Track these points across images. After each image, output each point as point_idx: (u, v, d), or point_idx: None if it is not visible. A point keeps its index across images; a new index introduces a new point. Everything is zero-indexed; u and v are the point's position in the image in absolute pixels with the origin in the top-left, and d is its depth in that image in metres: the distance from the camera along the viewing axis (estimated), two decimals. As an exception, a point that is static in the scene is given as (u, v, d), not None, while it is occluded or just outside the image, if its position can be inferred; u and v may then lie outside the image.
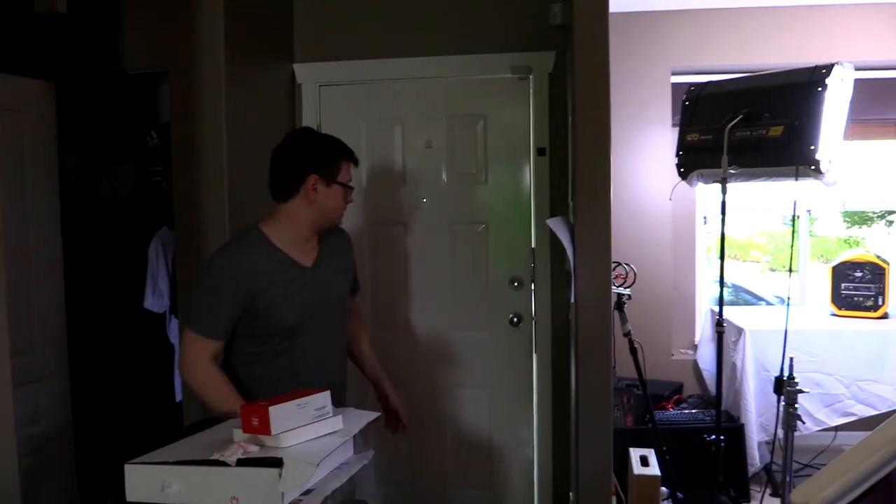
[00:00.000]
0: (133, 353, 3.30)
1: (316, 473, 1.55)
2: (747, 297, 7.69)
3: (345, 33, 3.49)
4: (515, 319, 3.39)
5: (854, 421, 3.65)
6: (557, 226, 2.84)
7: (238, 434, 1.63)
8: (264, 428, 1.57)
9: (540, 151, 3.38)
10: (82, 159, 3.33)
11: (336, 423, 1.71)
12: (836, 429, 3.70)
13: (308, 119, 3.51)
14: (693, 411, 3.79)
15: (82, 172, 3.33)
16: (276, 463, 1.49)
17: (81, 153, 3.32)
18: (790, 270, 3.12)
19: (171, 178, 2.87)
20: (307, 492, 1.55)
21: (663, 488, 3.07)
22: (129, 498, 1.55)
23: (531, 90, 3.40)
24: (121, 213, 3.31)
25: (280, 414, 1.58)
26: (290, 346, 2.18)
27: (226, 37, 2.80)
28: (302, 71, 3.50)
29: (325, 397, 1.70)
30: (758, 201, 4.37)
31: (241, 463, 1.51)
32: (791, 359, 3.00)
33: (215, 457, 1.53)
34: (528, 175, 3.42)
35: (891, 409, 3.56)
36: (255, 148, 3.09)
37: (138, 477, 1.56)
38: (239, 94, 2.93)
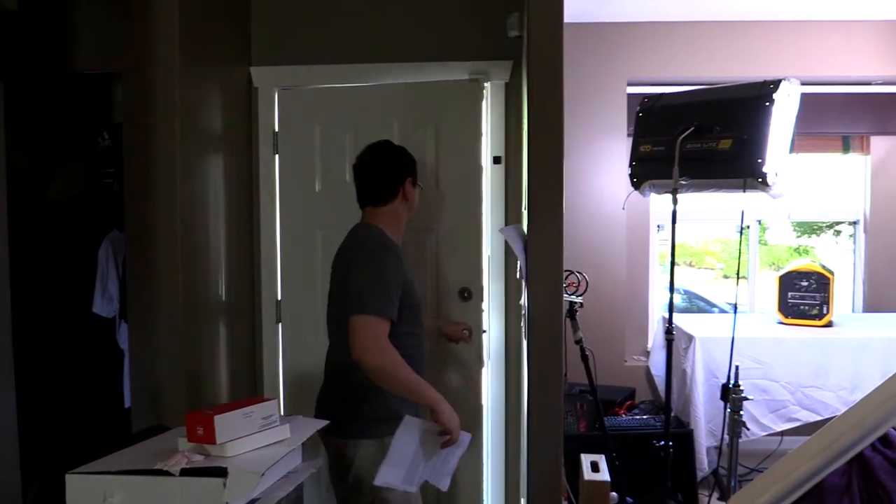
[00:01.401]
0: (81, 358, 3.23)
1: (261, 483, 1.54)
2: (701, 304, 7.83)
3: (303, 37, 3.48)
4: (467, 333, 3.22)
5: (799, 426, 3.75)
6: (510, 234, 2.87)
7: (183, 443, 1.62)
8: (209, 437, 1.56)
9: (496, 160, 3.40)
10: (31, 160, 3.26)
11: (283, 431, 1.71)
12: (782, 434, 3.79)
13: (264, 123, 3.48)
14: (644, 417, 3.86)
15: (31, 173, 3.25)
16: (221, 472, 1.48)
17: (30, 153, 3.24)
18: (738, 279, 3.19)
19: (123, 180, 2.82)
20: (252, 501, 1.55)
21: (613, 493, 3.12)
22: (69, 508, 1.53)
23: (488, 99, 3.43)
24: (70, 215, 3.25)
25: (226, 423, 1.57)
26: (416, 327, 2.38)
27: (180, 38, 2.77)
28: (259, 74, 3.48)
29: (272, 406, 1.69)
30: (712, 210, 4.47)
31: (186, 473, 1.50)
32: (737, 367, 3.08)
33: (159, 466, 1.51)
34: (483, 184, 3.42)
35: (833, 415, 3.65)
36: (210, 150, 3.07)
37: (79, 487, 1.54)
38: (193, 96, 2.90)
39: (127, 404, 3.02)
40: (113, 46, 2.85)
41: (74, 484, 1.54)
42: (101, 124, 3.27)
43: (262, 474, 1.50)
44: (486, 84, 3.27)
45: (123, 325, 3.10)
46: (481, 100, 3.26)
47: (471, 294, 3.33)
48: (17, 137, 3.17)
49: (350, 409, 2.26)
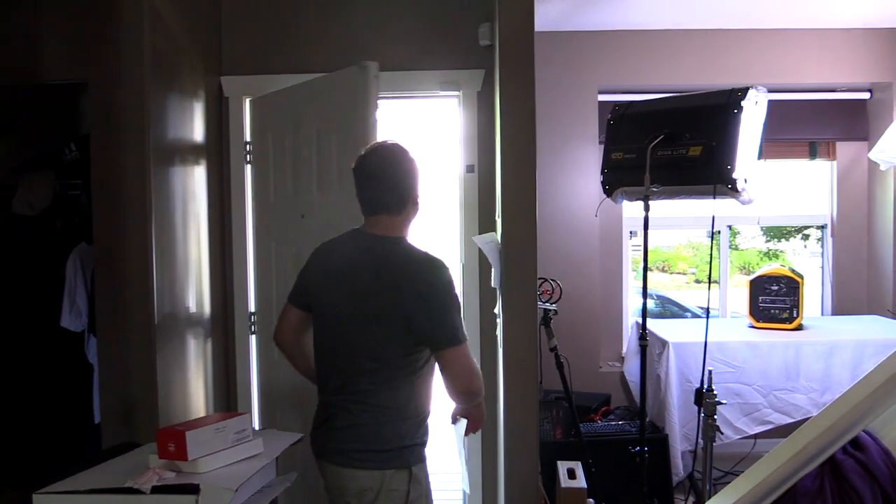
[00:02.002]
0: (50, 373, 3.16)
1: (235, 498, 1.52)
2: (674, 309, 7.90)
3: (274, 47, 3.46)
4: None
5: (772, 429, 3.78)
6: (484, 243, 2.87)
7: (154, 460, 1.59)
8: (181, 453, 1.54)
9: (469, 168, 3.41)
10: (-3, 171, 3.20)
11: (257, 445, 1.68)
12: (756, 437, 3.83)
13: (235, 132, 3.46)
14: (620, 423, 3.87)
15: (-3, 185, 3.20)
16: (193, 489, 1.46)
17: (-5, 165, 3.19)
18: (709, 284, 3.22)
19: (90, 192, 2.78)
20: (226, 517, 1.52)
21: (590, 500, 3.12)
22: (36, 529, 1.49)
23: (460, 108, 3.43)
24: (37, 228, 3.19)
25: (197, 438, 1.55)
26: None
27: (148, 48, 2.74)
28: (229, 84, 3.46)
29: (244, 420, 1.67)
30: (684, 215, 4.51)
31: (157, 490, 1.48)
32: (710, 371, 3.09)
33: (129, 484, 1.48)
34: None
35: (805, 416, 3.70)
36: (180, 161, 3.04)
37: (47, 507, 1.50)
38: (162, 106, 2.87)
39: (97, 420, 2.96)
40: (80, 56, 2.82)
41: (42, 503, 1.51)
42: (69, 135, 3.22)
43: (236, 490, 1.48)
44: (375, 73, 2.94)
45: (92, 340, 3.05)
46: (370, 87, 2.84)
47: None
48: (-18, 149, 3.11)
49: (393, 438, 2.01)
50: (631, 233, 4.61)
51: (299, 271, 2.23)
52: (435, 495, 2.16)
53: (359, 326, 2.01)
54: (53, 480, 1.60)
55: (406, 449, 2.01)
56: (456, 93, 3.43)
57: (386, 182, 2.09)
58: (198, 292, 3.19)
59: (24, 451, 3.11)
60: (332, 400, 2.06)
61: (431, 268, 2.03)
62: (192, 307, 3.13)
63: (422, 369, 2.05)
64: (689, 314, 7.63)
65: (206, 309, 3.28)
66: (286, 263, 3.17)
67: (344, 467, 1.97)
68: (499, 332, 2.91)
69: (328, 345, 2.11)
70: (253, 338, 3.49)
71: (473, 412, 2.18)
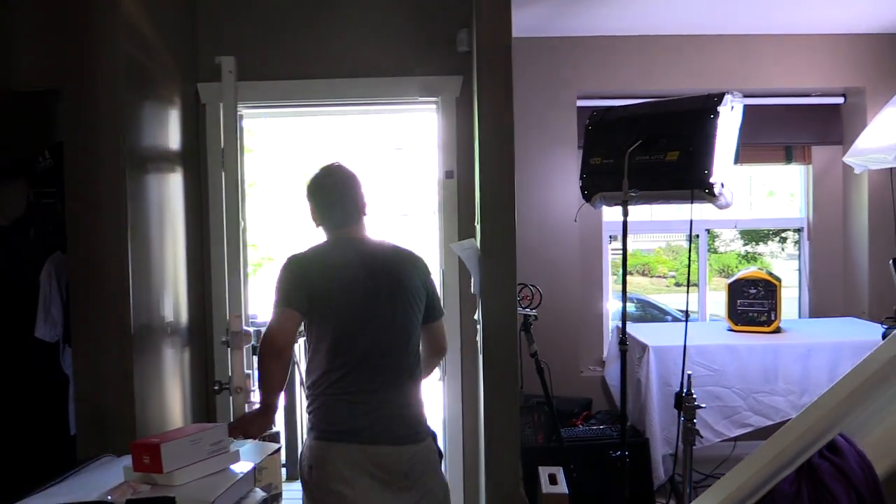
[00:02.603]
0: (24, 384, 3.11)
1: (211, 511, 1.50)
2: (654, 312, 7.96)
3: (251, 53, 3.44)
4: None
5: (752, 431, 3.81)
6: (462, 250, 2.87)
7: (128, 472, 1.57)
8: (156, 466, 1.51)
9: (448, 174, 3.41)
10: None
11: (233, 457, 1.66)
12: (736, 439, 3.85)
13: (212, 139, 3.43)
14: (601, 427, 3.88)
15: (-32, 194, 3.14)
16: (168, 502, 1.44)
17: (-33, 174, 3.14)
18: (688, 288, 3.24)
19: (65, 201, 2.75)
20: (202, 530, 1.50)
21: (572, 505, 3.12)
22: (7, 545, 1.47)
23: (439, 114, 3.43)
24: (11, 237, 3.14)
25: (172, 450, 1.53)
26: None
27: (123, 55, 2.71)
28: (206, 90, 3.43)
29: (221, 431, 1.65)
30: (663, 218, 4.53)
31: (131, 503, 1.45)
32: (689, 375, 3.11)
33: (102, 498, 1.46)
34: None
35: (784, 419, 3.72)
36: (156, 168, 3.01)
37: (18, 522, 1.48)
38: (137, 113, 2.84)
39: (73, 431, 2.92)
40: (54, 64, 2.79)
41: (13, 519, 1.48)
42: (43, 143, 3.17)
43: (212, 502, 1.46)
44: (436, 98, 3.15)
45: (68, 350, 3.00)
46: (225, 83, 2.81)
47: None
48: (-47, 158, 3.07)
49: (423, 410, 2.38)
50: (610, 237, 4.63)
51: (288, 279, 2.27)
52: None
53: (395, 315, 2.31)
54: (27, 493, 1.58)
55: (426, 417, 2.37)
56: (435, 99, 3.43)
57: (352, 196, 2.42)
58: (175, 301, 3.16)
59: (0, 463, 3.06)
60: (377, 387, 2.25)
61: (417, 256, 2.48)
62: (170, 316, 3.09)
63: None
64: (669, 317, 7.69)
65: (184, 318, 3.25)
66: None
67: (403, 445, 2.23)
68: (479, 338, 2.91)
69: (364, 338, 2.26)
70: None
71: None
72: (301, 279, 2.27)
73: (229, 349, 2.44)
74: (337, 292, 2.26)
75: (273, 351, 2.21)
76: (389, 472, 2.21)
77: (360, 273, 2.30)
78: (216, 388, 2.53)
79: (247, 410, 2.65)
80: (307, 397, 2.33)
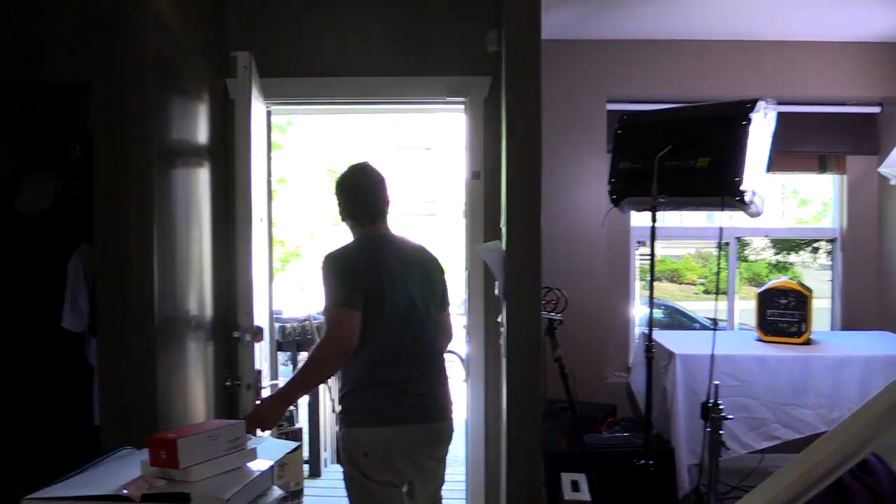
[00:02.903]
0: (50, 374, 3.14)
1: (227, 508, 1.49)
2: (682, 319, 7.86)
3: (281, 50, 3.45)
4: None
5: (779, 444, 3.73)
6: (486, 252, 2.85)
7: (145, 467, 1.56)
8: (172, 461, 1.51)
9: (474, 175, 3.38)
10: (1, 170, 3.18)
11: (251, 454, 1.65)
12: (763, 452, 3.77)
13: (240, 135, 3.43)
14: (626, 434, 3.83)
15: (0, 184, 3.18)
16: (184, 498, 1.43)
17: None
18: (717, 296, 3.18)
19: (93, 193, 2.77)
20: (218, 527, 1.49)
21: (593, 513, 3.08)
22: (24, 535, 1.47)
23: (467, 114, 3.41)
24: (39, 228, 3.17)
25: (189, 446, 1.52)
26: None
27: (151, 50, 2.72)
28: (235, 86, 3.43)
29: (239, 428, 1.64)
30: (693, 225, 4.46)
31: (147, 499, 1.45)
32: (717, 385, 3.05)
33: (118, 492, 1.46)
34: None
35: (813, 433, 3.64)
36: (183, 162, 3.02)
37: (35, 513, 1.48)
38: (166, 107, 2.85)
39: (96, 421, 2.94)
40: (85, 56, 2.81)
41: (31, 509, 1.48)
42: (73, 135, 3.20)
43: (227, 500, 1.45)
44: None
45: (93, 341, 3.02)
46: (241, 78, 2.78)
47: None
48: (-14, 149, 3.10)
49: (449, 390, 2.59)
50: (639, 242, 4.57)
51: (341, 279, 2.36)
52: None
53: (427, 306, 2.49)
54: (48, 482, 1.58)
55: None
56: (462, 99, 3.41)
57: (381, 195, 2.54)
58: (200, 295, 3.17)
59: (24, 452, 3.09)
60: (423, 374, 2.46)
61: (431, 252, 2.64)
62: (194, 310, 3.11)
63: None
64: (697, 325, 7.59)
65: (209, 312, 3.26)
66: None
67: (443, 421, 2.50)
68: (502, 341, 2.88)
69: (406, 328, 2.42)
70: (257, 343, 3.45)
71: None
72: (353, 278, 2.36)
73: (242, 346, 2.44)
74: (383, 287, 2.37)
75: (345, 352, 2.31)
76: (434, 446, 2.49)
77: (398, 268, 2.44)
78: (228, 383, 2.53)
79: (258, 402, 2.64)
80: (351, 390, 2.41)
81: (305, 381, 2.45)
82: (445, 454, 2.58)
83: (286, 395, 2.44)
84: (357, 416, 2.40)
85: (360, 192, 2.53)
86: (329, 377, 2.38)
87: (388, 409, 2.37)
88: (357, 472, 2.38)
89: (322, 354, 2.34)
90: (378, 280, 2.37)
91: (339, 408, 2.50)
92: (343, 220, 2.58)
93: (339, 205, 2.57)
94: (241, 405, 2.43)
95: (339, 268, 2.39)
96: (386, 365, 2.37)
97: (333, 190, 2.60)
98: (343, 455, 2.44)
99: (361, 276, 2.36)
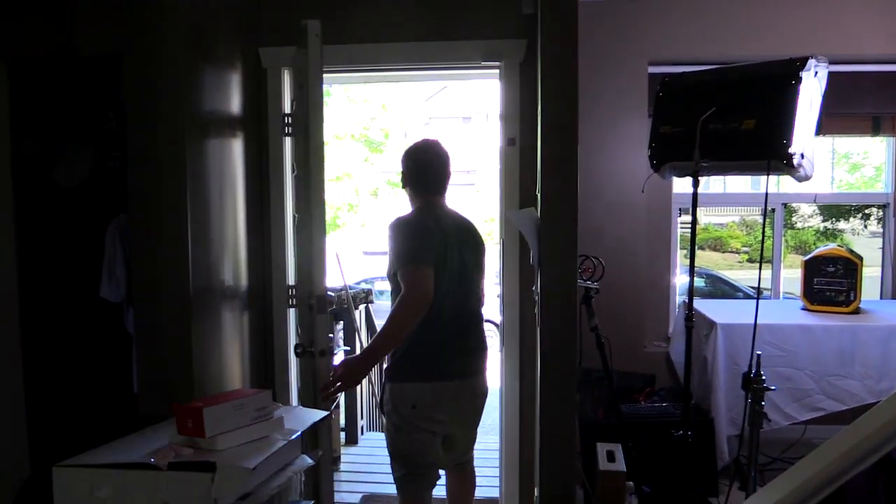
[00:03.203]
0: (90, 343, 3.20)
1: (252, 477, 1.48)
2: (725, 288, 7.70)
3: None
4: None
5: (823, 416, 3.63)
6: (520, 219, 2.80)
7: (174, 435, 1.57)
8: (198, 430, 1.51)
9: (510, 141, 3.31)
10: (38, 143, 3.22)
11: (278, 423, 1.64)
12: (806, 423, 3.68)
13: (273, 104, 3.42)
14: (664, 404, 3.76)
15: (38, 157, 3.22)
16: (209, 467, 1.43)
17: (37, 137, 3.20)
18: (760, 264, 3.08)
19: (127, 164, 2.78)
20: (245, 496, 1.49)
21: (629, 483, 3.04)
22: (56, 501, 1.49)
23: (502, 79, 3.33)
24: (77, 199, 3.21)
25: (215, 415, 1.52)
26: None
27: (184, 18, 2.71)
28: (267, 55, 3.41)
29: (265, 397, 1.64)
30: (737, 190, 4.33)
31: (174, 467, 1.45)
32: (759, 355, 2.97)
33: (146, 460, 1.46)
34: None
35: (859, 404, 3.54)
36: (217, 133, 3.02)
37: (66, 480, 1.50)
38: (198, 77, 2.84)
39: (136, 390, 2.99)
40: (116, 27, 2.81)
41: (62, 477, 1.50)
42: (108, 105, 3.22)
43: (253, 469, 1.45)
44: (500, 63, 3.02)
45: (131, 311, 3.07)
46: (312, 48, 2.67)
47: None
48: (23, 121, 3.14)
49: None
50: (680, 209, 4.45)
51: (417, 241, 2.58)
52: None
53: (477, 273, 2.79)
54: (89, 449, 1.59)
55: None
56: (498, 63, 3.33)
57: (446, 171, 2.79)
58: (235, 265, 3.18)
59: (67, 421, 3.17)
60: (469, 333, 2.75)
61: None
62: (229, 280, 3.12)
63: None
64: (740, 294, 7.42)
65: (244, 281, 3.27)
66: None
67: (483, 375, 2.80)
68: (537, 310, 2.83)
69: (458, 292, 2.67)
70: (291, 311, 3.47)
71: None
72: (427, 240, 2.57)
73: (315, 313, 2.48)
74: (447, 251, 2.60)
75: (424, 307, 2.48)
76: (473, 399, 2.79)
77: (453, 236, 2.66)
78: (298, 350, 2.59)
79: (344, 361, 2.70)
80: (407, 347, 2.60)
81: (390, 337, 2.56)
82: (482, 407, 2.87)
83: (373, 354, 2.64)
84: (410, 371, 2.62)
85: (430, 168, 2.76)
86: (406, 331, 2.50)
87: (441, 365, 2.61)
88: (403, 423, 2.61)
89: (403, 311, 2.48)
90: (442, 244, 2.59)
91: (388, 363, 2.71)
92: (404, 186, 2.81)
93: (406, 173, 2.79)
94: (316, 371, 2.47)
95: (413, 231, 2.61)
96: (440, 324, 2.57)
97: (402, 157, 2.83)
98: (389, 407, 2.66)
99: (432, 239, 2.58)
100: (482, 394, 2.83)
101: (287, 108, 3.42)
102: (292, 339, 3.48)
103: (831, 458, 1.32)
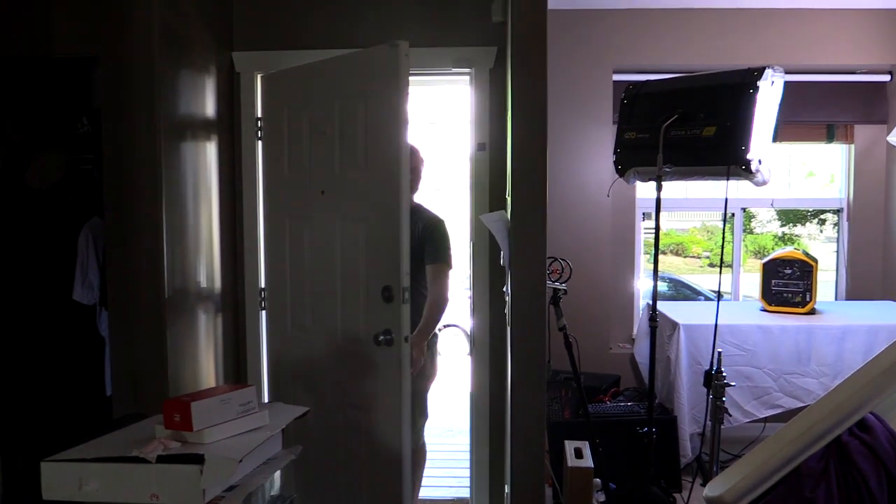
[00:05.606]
0: (62, 346, 3.19)
1: (239, 469, 1.53)
2: (686, 292, 7.87)
3: (286, 22, 3.45)
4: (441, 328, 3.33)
5: (782, 413, 3.77)
6: (491, 221, 2.86)
7: (160, 430, 1.60)
8: (186, 424, 1.54)
9: (480, 146, 3.39)
10: (9, 146, 3.20)
11: (262, 418, 1.69)
12: (765, 421, 3.82)
13: (246, 109, 3.45)
14: (629, 404, 3.87)
15: (9, 160, 3.21)
16: (198, 459, 1.47)
17: (8, 140, 3.19)
18: (721, 266, 3.20)
19: (102, 167, 2.79)
20: (231, 488, 1.53)
21: (597, 480, 3.13)
22: (45, 496, 1.51)
23: (472, 85, 3.41)
24: (50, 202, 3.20)
25: (202, 409, 1.56)
26: None
27: (158, 23, 2.73)
28: (240, 59, 3.44)
29: (250, 392, 1.68)
30: (698, 196, 4.46)
31: (162, 460, 1.48)
32: (720, 353, 3.08)
33: (135, 453, 1.50)
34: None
35: (815, 401, 3.67)
36: (191, 136, 3.04)
37: (55, 474, 1.52)
38: (172, 80, 2.86)
39: (108, 392, 2.99)
40: (90, 31, 2.81)
41: (50, 471, 1.52)
42: (81, 109, 3.22)
43: (240, 461, 1.49)
44: (405, 52, 2.88)
45: (104, 313, 3.07)
46: (402, 66, 2.73)
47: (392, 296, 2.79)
48: (-5, 123, 3.12)
49: None
50: (644, 214, 4.58)
51: (450, 243, 3.17)
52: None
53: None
54: (63, 450, 1.62)
55: None
56: (468, 70, 3.40)
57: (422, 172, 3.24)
58: (208, 267, 3.21)
59: (38, 422, 3.15)
60: None
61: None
62: (203, 282, 3.14)
63: None
64: (701, 297, 7.59)
65: (217, 284, 3.30)
66: (301, 239, 3.15)
67: None
68: (507, 310, 2.90)
69: None
70: (263, 313, 3.49)
71: None
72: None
73: (401, 303, 2.74)
74: None
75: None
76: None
77: None
78: (381, 338, 2.77)
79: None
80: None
81: (436, 321, 3.14)
82: None
83: (423, 336, 3.09)
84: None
85: (414, 170, 3.03)
86: None
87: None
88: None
89: (445, 304, 3.12)
90: None
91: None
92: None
93: (414, 177, 3.11)
94: (403, 354, 2.73)
95: (448, 235, 3.19)
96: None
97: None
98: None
99: None
100: None
101: (259, 113, 3.45)
102: (265, 341, 3.49)
103: (786, 441, 1.41)
